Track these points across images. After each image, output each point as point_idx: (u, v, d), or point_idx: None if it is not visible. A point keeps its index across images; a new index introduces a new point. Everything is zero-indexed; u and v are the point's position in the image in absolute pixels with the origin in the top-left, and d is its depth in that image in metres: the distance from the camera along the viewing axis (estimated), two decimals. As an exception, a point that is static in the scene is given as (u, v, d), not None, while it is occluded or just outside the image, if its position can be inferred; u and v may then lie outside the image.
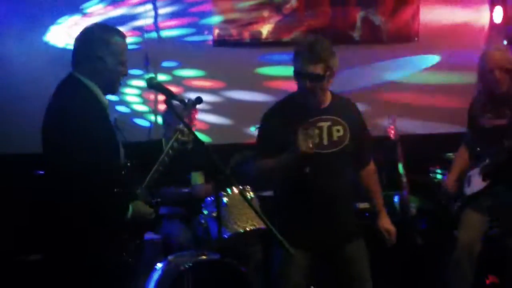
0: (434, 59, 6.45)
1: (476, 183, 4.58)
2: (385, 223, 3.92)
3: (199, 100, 3.65)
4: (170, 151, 3.50)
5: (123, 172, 3.25)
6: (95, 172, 3.02)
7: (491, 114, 4.55)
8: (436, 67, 6.46)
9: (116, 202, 3.13)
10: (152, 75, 3.26)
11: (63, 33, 5.84)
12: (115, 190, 3.12)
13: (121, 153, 3.31)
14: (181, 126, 3.47)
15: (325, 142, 3.64)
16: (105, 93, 3.28)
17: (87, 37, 3.25)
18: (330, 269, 3.80)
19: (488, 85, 4.51)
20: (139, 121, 6.09)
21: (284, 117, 3.64)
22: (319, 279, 4.15)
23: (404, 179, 5.77)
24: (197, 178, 5.03)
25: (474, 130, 4.69)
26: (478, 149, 4.63)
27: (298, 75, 3.56)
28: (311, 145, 3.43)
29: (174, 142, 3.51)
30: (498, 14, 6.35)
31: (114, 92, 3.33)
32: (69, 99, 3.15)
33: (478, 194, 4.56)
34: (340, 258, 3.73)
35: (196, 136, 3.29)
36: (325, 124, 3.64)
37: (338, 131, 3.66)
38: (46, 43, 5.82)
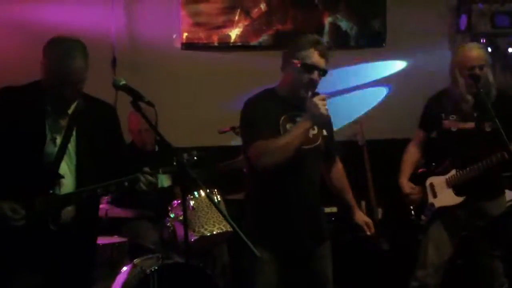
0: (401, 64, 6.52)
1: (446, 195, 4.39)
2: (361, 216, 3.91)
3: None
4: (113, 188, 3.36)
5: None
6: None
7: (457, 116, 4.37)
8: (403, 72, 6.53)
9: None
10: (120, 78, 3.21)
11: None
12: None
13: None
14: (145, 169, 3.38)
15: None
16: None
17: None
18: (296, 272, 3.73)
19: (465, 83, 4.30)
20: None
21: (266, 107, 3.59)
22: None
23: (371, 184, 5.82)
24: (164, 180, 5.01)
25: (434, 132, 4.53)
26: (439, 153, 4.47)
27: (311, 67, 3.51)
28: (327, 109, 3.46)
29: (126, 182, 3.36)
30: (463, 22, 6.45)
31: (58, 95, 3.33)
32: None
33: (451, 209, 4.38)
34: (311, 261, 3.69)
35: (163, 138, 3.27)
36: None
37: (313, 129, 3.61)
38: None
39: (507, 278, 4.51)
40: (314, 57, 3.51)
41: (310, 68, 3.51)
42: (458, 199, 4.34)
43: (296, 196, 3.60)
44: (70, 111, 3.37)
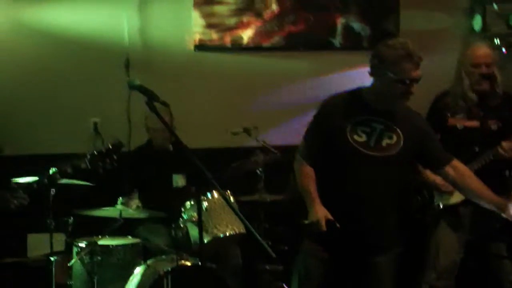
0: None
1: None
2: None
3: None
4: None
5: None
6: None
7: (463, 114, 4.40)
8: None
9: None
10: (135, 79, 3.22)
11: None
12: None
13: None
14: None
15: (372, 143, 3.56)
16: None
17: None
18: (344, 276, 3.71)
19: (470, 81, 4.35)
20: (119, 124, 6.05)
21: (344, 106, 3.61)
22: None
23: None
24: (179, 180, 5.03)
25: (440, 130, 4.44)
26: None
27: (409, 81, 3.48)
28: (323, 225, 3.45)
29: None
30: (477, 23, 6.41)
31: None
32: None
33: (455, 207, 4.39)
34: (365, 269, 3.64)
35: (178, 139, 3.28)
36: (378, 127, 3.58)
37: (390, 138, 3.57)
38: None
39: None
40: (411, 71, 3.49)
41: (408, 82, 3.49)
42: (462, 197, 4.25)
43: (351, 201, 3.57)
44: None
